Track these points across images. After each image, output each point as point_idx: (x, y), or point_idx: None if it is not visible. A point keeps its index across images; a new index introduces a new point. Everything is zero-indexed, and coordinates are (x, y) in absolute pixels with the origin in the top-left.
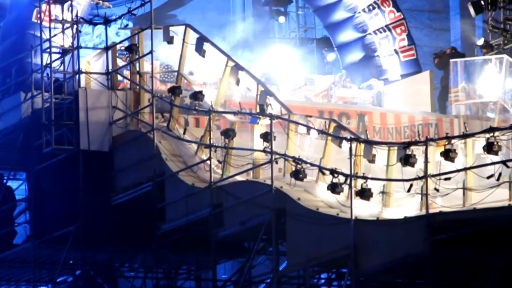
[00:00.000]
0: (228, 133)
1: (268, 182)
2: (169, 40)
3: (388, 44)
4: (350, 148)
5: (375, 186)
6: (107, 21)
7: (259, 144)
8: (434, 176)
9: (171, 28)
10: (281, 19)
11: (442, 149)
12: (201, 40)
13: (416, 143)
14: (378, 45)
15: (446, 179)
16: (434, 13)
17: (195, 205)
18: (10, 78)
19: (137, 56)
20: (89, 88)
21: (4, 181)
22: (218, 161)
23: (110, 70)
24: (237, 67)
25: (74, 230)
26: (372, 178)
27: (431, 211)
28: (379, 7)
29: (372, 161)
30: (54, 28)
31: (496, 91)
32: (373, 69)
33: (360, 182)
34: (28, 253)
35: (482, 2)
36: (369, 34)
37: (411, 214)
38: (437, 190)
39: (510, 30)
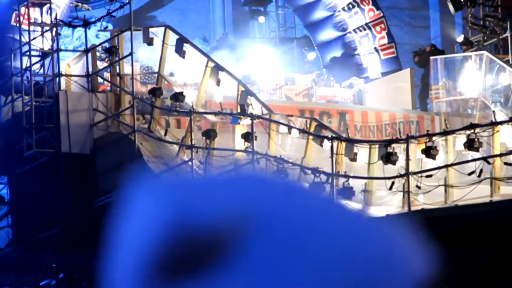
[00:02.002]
0: (210, 134)
1: None
2: (149, 42)
3: (368, 43)
4: (332, 147)
5: (357, 185)
6: (86, 24)
7: (240, 144)
8: (415, 173)
9: (150, 29)
10: (261, 19)
11: (423, 146)
12: (181, 41)
13: (397, 140)
14: (358, 43)
15: (427, 176)
16: (414, 10)
17: None
18: None
19: (117, 58)
20: (70, 91)
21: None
22: (200, 162)
23: (90, 73)
24: (218, 68)
25: (56, 234)
26: (353, 177)
27: (413, 208)
28: (358, 6)
29: (353, 159)
30: (34, 31)
31: (477, 87)
32: (353, 68)
33: (342, 180)
34: (10, 257)
35: None
36: (349, 32)
37: (393, 212)
38: (419, 187)
39: (489, 27)
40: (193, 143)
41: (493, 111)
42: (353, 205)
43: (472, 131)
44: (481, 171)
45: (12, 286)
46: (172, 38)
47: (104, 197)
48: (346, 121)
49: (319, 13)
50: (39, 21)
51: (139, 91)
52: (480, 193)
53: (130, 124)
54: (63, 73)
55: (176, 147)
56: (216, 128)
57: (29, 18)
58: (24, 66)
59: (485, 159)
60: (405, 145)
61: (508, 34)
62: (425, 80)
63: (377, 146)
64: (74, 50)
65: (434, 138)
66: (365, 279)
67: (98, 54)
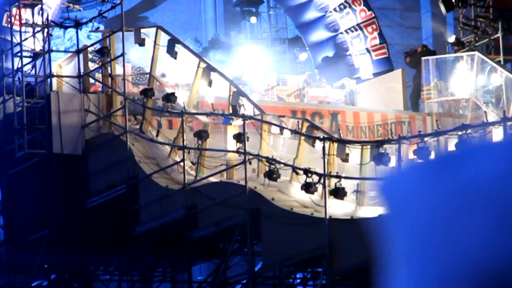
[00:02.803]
0: (201, 135)
1: (242, 183)
2: (141, 42)
3: (359, 43)
4: (324, 148)
5: (349, 185)
6: (78, 24)
7: (232, 145)
8: None
9: (142, 30)
10: (253, 19)
11: (415, 147)
12: (173, 42)
13: (389, 141)
14: (350, 44)
15: None
16: (405, 11)
17: (169, 207)
18: None
19: (108, 59)
20: (61, 92)
21: None
22: (192, 162)
23: (81, 73)
24: (209, 68)
25: (48, 234)
26: (346, 177)
27: None
28: (350, 6)
29: (345, 160)
30: (25, 32)
31: (468, 88)
32: (345, 68)
33: (334, 181)
34: (2, 258)
35: (453, 0)
36: (341, 33)
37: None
38: None
39: (481, 27)
40: (185, 143)
41: (485, 112)
42: (345, 205)
43: (464, 131)
44: None
45: (3, 287)
46: (164, 38)
47: (96, 197)
48: (338, 121)
49: (311, 14)
50: (31, 22)
51: (131, 92)
52: None
53: (122, 125)
54: (55, 74)
55: (168, 148)
56: (208, 129)
57: (20, 19)
58: (15, 67)
59: None
60: (397, 145)
61: (499, 34)
62: (416, 80)
63: (369, 146)
64: (65, 51)
65: (425, 138)
66: None
67: (90, 56)
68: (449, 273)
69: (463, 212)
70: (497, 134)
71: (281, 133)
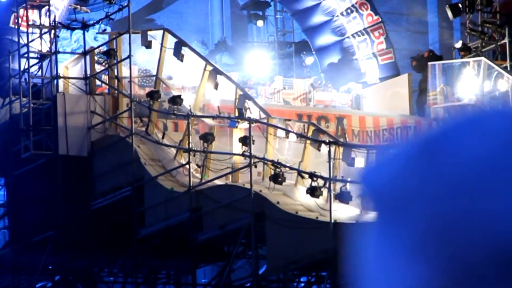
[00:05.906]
0: (207, 137)
1: (247, 186)
2: (147, 45)
3: (366, 48)
4: (329, 152)
5: (354, 190)
6: (85, 26)
7: (238, 148)
8: None
9: (149, 32)
10: (260, 23)
11: None
12: (179, 44)
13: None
14: (357, 48)
15: None
16: (412, 16)
17: (174, 210)
18: None
19: (115, 61)
20: (67, 93)
21: None
22: (197, 165)
23: (88, 75)
24: (216, 71)
25: (53, 236)
26: (351, 182)
27: None
28: (357, 11)
29: (351, 164)
30: (32, 33)
31: (474, 94)
32: (351, 73)
33: (339, 185)
34: (6, 259)
35: (460, 5)
36: (348, 37)
37: None
38: None
39: (487, 33)
40: (190, 146)
41: None
42: (350, 210)
43: None
44: None
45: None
46: (171, 41)
47: (101, 199)
48: (343, 126)
49: (318, 18)
50: (38, 23)
51: (137, 94)
52: None
53: (128, 127)
54: (61, 75)
55: (173, 150)
56: (213, 132)
57: (27, 20)
58: (22, 68)
59: None
60: None
61: (506, 40)
62: (423, 85)
63: (374, 151)
64: (72, 53)
65: None
66: None
67: (96, 58)
68: (471, 256)
69: (474, 188)
70: None
71: (287, 136)
